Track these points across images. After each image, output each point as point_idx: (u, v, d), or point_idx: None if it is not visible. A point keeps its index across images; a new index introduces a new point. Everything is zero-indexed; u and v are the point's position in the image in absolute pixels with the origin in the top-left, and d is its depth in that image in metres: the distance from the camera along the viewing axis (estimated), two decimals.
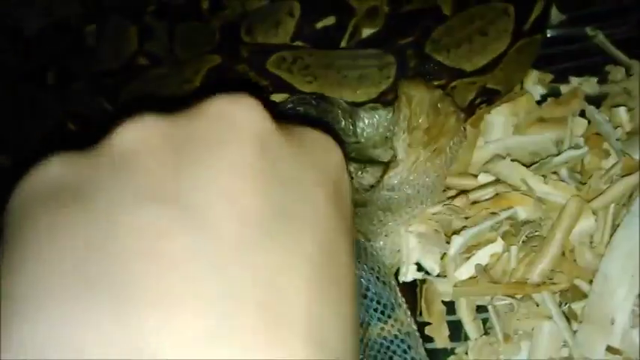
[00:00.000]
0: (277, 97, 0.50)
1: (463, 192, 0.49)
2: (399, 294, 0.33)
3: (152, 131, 0.19)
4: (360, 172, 0.46)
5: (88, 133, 0.50)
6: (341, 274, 0.21)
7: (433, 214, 0.49)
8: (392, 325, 0.32)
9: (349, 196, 0.24)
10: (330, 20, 0.58)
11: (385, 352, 0.32)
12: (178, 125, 0.20)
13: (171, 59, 0.57)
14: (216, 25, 0.59)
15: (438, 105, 0.48)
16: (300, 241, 0.19)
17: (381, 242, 0.47)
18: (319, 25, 0.58)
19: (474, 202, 0.49)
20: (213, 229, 0.18)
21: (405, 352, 0.32)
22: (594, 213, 0.46)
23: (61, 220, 0.18)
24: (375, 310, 0.31)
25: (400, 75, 0.49)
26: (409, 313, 0.33)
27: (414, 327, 0.33)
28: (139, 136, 0.19)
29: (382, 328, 0.31)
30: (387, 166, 0.46)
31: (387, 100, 0.49)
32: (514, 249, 0.46)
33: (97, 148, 0.20)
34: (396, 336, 0.32)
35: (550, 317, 0.44)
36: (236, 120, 0.20)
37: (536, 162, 0.49)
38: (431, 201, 0.48)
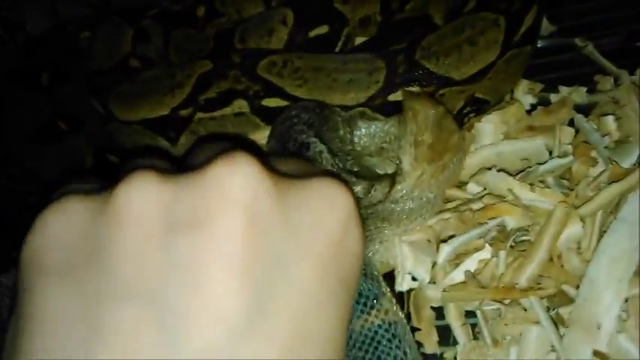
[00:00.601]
0: (269, 102, 0.50)
1: (464, 204, 0.49)
2: (383, 283, 0.33)
3: (150, 198, 0.20)
4: (369, 193, 0.46)
5: (77, 131, 0.50)
6: (320, 350, 0.21)
7: (429, 226, 0.49)
8: (375, 316, 0.31)
9: (358, 249, 0.24)
10: (323, 29, 0.59)
11: (370, 343, 0.31)
12: (176, 192, 0.21)
13: (164, 63, 0.57)
14: (211, 32, 0.60)
15: (441, 121, 0.48)
16: (275, 333, 0.20)
17: (376, 246, 0.48)
18: (312, 33, 0.59)
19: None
20: (187, 334, 0.19)
21: (389, 340, 0.32)
22: (582, 219, 0.46)
23: (60, 307, 0.20)
24: (357, 302, 0.31)
25: (389, 80, 0.50)
26: (394, 301, 0.33)
27: (401, 315, 0.33)
28: (136, 202, 0.20)
29: (366, 320, 0.31)
30: (392, 180, 0.46)
31: (374, 104, 0.50)
32: (502, 254, 0.46)
33: (100, 201, 0.21)
34: (379, 325, 0.32)
35: (538, 322, 0.43)
36: (230, 190, 0.20)
37: (526, 168, 0.50)
38: (430, 214, 0.48)
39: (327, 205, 0.23)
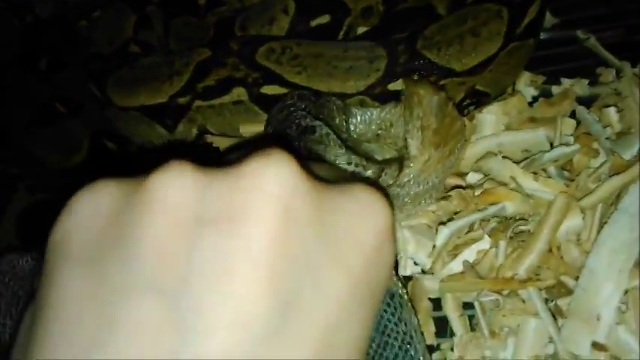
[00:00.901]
0: (268, 90, 0.50)
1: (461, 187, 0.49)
2: None
3: (184, 187, 0.19)
4: (380, 177, 0.45)
5: (75, 115, 0.50)
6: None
7: (432, 211, 0.49)
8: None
9: (390, 261, 0.23)
10: (324, 19, 0.59)
11: (377, 328, 0.31)
12: (211, 185, 0.20)
13: (164, 50, 0.57)
14: (211, 21, 0.60)
15: (443, 108, 0.48)
16: (299, 343, 0.19)
17: None
18: (313, 23, 0.58)
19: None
20: (205, 335, 0.18)
21: (392, 315, 0.31)
22: (582, 211, 0.45)
23: (80, 294, 0.19)
24: None
25: (390, 69, 0.49)
26: (395, 278, 0.32)
27: (399, 285, 0.32)
28: (170, 189, 0.19)
29: None
30: (400, 164, 0.46)
31: (374, 93, 0.49)
32: (502, 244, 0.45)
33: (133, 186, 0.20)
34: (385, 310, 0.31)
35: (536, 313, 0.43)
36: (265, 187, 0.19)
37: (526, 159, 0.49)
38: (432, 200, 0.48)
39: (365, 214, 0.22)
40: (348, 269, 0.20)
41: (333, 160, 0.41)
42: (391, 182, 0.45)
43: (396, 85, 0.50)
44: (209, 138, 0.53)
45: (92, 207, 0.20)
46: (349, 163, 0.42)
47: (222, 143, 0.52)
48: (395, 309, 0.32)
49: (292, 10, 0.58)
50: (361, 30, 0.59)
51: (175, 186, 0.19)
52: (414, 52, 0.51)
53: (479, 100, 0.55)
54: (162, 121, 0.53)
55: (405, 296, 0.33)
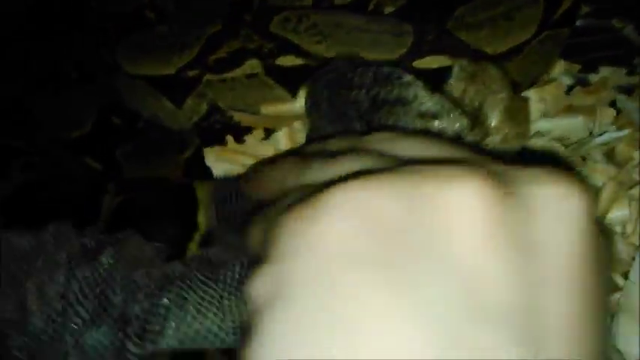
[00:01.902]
0: (284, 61, 0.46)
1: None
2: None
3: (491, 212, 0.18)
4: (471, 132, 0.42)
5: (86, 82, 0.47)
6: None
7: None
8: None
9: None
10: None
11: None
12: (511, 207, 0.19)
13: (178, 21, 0.54)
14: None
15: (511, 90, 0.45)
16: None
17: None
18: (338, 1, 0.55)
19: None
20: None
21: None
22: (629, 202, 0.42)
23: (386, 308, 0.17)
24: None
25: (416, 47, 0.46)
26: None
27: None
28: (477, 212, 0.18)
29: None
30: (485, 130, 0.43)
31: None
32: None
33: (413, 192, 0.19)
34: None
35: None
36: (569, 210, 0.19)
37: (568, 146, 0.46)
38: None
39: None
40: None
41: (421, 105, 0.39)
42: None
43: (422, 63, 0.47)
44: (234, 114, 0.50)
45: (367, 208, 0.18)
46: (442, 109, 0.38)
47: (243, 119, 0.49)
48: None
49: None
50: (389, 10, 0.56)
51: (482, 206, 0.18)
52: (444, 31, 0.48)
53: None
54: (169, 94, 0.50)
55: None
